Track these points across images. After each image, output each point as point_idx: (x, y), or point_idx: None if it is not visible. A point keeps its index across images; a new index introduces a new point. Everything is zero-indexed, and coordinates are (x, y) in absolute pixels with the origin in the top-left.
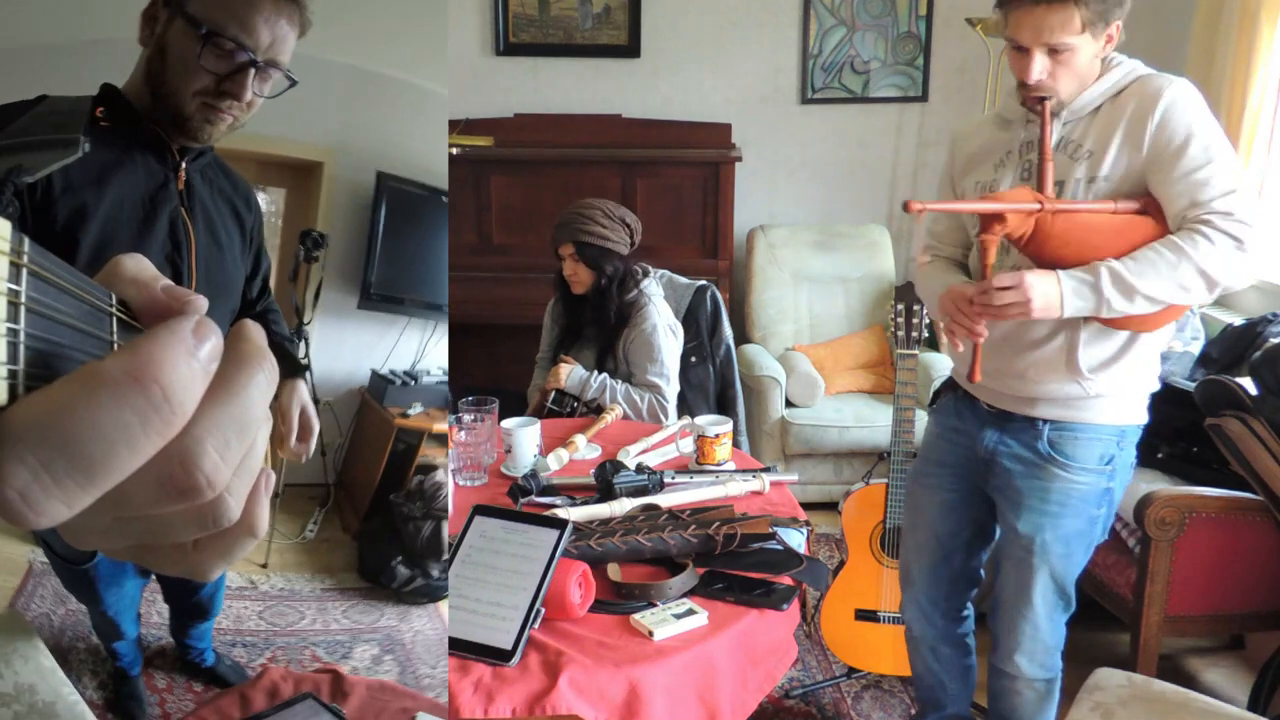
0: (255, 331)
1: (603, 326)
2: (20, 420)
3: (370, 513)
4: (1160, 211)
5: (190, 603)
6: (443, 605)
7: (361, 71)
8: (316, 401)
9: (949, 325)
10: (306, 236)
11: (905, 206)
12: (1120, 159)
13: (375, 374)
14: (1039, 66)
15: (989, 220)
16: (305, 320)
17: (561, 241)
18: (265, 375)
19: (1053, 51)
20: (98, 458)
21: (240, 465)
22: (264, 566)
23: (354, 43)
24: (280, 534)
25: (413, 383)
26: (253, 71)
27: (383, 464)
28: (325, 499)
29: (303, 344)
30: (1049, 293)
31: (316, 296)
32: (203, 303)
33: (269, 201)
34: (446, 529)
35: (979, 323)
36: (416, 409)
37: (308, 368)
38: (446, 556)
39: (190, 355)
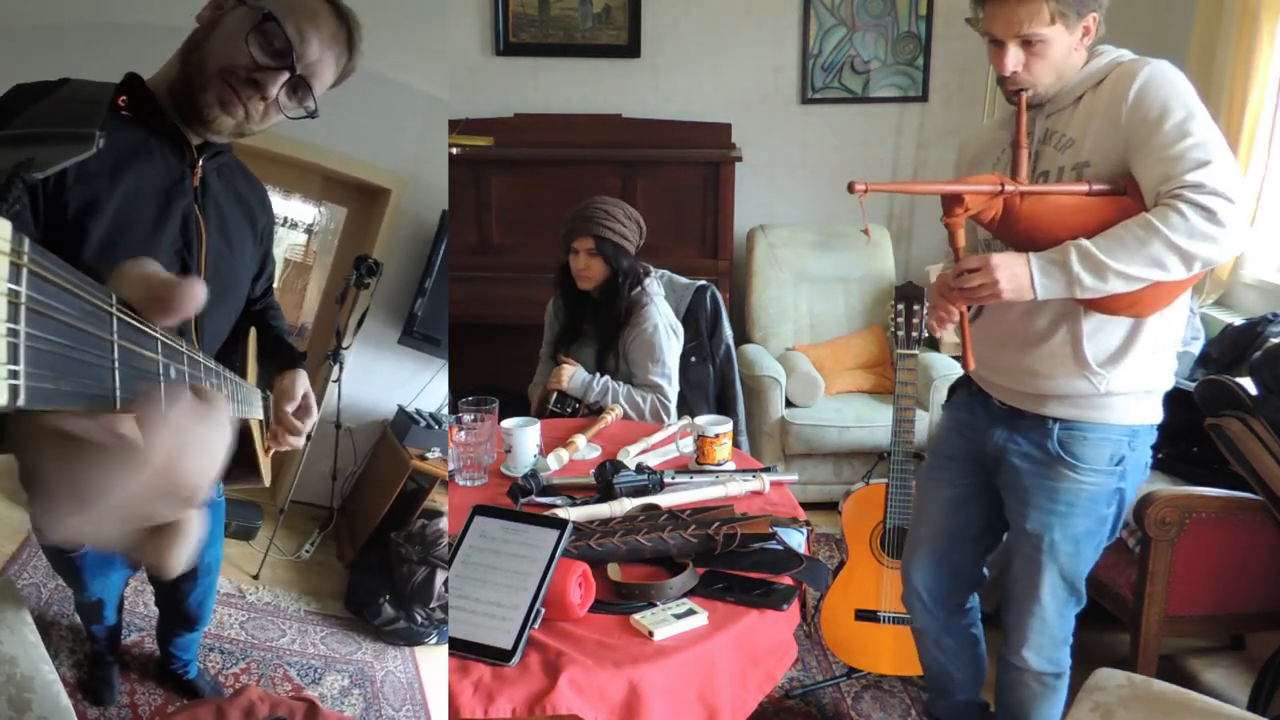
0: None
1: (605, 324)
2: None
3: (368, 545)
4: (1139, 191)
5: (180, 610)
6: (419, 651)
7: (446, 106)
8: (338, 426)
9: (931, 311)
10: (362, 262)
11: (849, 187)
12: (1100, 142)
13: (402, 410)
14: (1012, 59)
15: (949, 203)
16: (345, 344)
17: (579, 234)
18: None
19: (1026, 43)
20: (106, 516)
21: None
22: (255, 577)
23: (442, 79)
24: (277, 549)
25: (436, 427)
26: (285, 75)
27: (390, 501)
28: (327, 522)
29: (337, 367)
30: (1018, 273)
31: (360, 323)
32: (199, 290)
33: (328, 217)
34: (440, 578)
35: (956, 306)
36: (435, 453)
37: (338, 382)
38: (435, 604)
39: (225, 440)
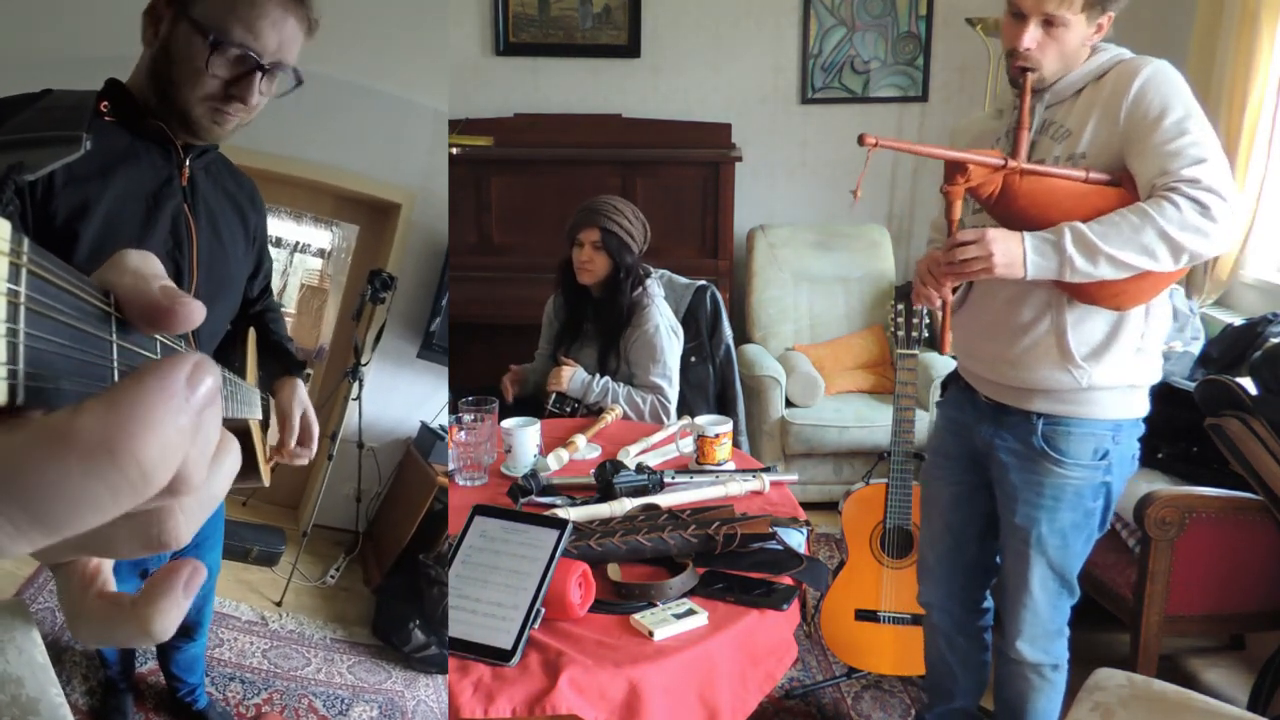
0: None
1: (605, 324)
2: None
3: (395, 569)
4: (1133, 184)
5: None
6: None
7: (447, 118)
8: (360, 445)
9: (917, 287)
10: (376, 277)
11: (860, 140)
12: (1098, 135)
13: (425, 427)
14: (1030, 35)
15: (952, 172)
16: (363, 361)
17: (585, 227)
18: (232, 460)
19: (1048, 24)
20: (61, 518)
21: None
22: (278, 604)
23: (444, 88)
24: (300, 574)
25: None
26: (259, 75)
27: (417, 521)
28: (352, 546)
29: (356, 385)
30: (1011, 249)
31: (378, 339)
32: (199, 311)
33: (342, 237)
34: None
35: (944, 284)
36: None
37: (358, 400)
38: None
39: (179, 412)
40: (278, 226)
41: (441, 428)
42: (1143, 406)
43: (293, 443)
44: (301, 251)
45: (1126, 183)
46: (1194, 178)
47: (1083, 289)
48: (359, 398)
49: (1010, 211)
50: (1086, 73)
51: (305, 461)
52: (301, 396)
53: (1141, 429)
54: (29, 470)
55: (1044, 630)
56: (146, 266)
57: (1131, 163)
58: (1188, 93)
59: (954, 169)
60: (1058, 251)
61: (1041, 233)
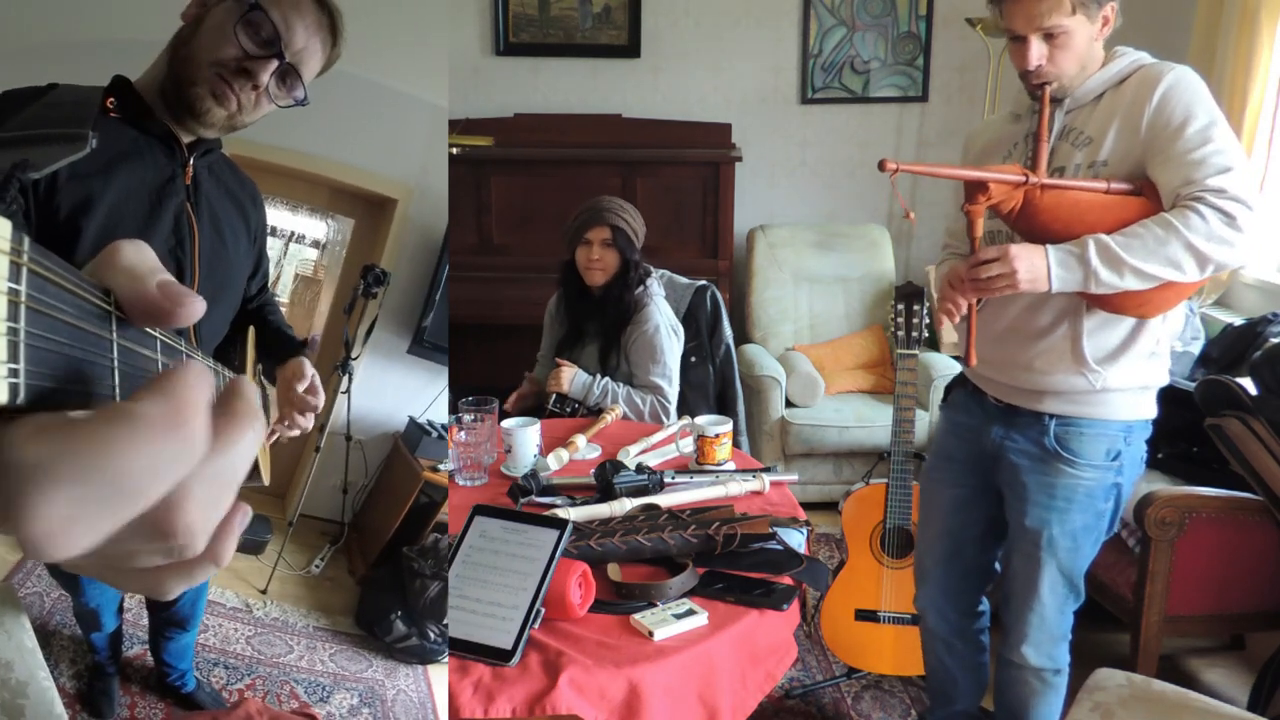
0: (249, 389)
1: (608, 322)
2: (55, 458)
3: (380, 561)
4: (1155, 193)
5: (170, 611)
6: (432, 670)
7: (448, 114)
8: (349, 438)
9: (939, 303)
10: (369, 271)
11: (880, 165)
12: (1119, 143)
13: (413, 422)
14: (1035, 53)
15: (973, 190)
16: (353, 355)
17: (595, 225)
18: (254, 434)
19: (1048, 37)
20: (134, 491)
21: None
22: (263, 593)
23: (442, 84)
24: (286, 564)
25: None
26: (275, 63)
27: (402, 514)
28: (338, 537)
29: (346, 378)
30: (1035, 264)
31: (369, 333)
32: (199, 306)
33: (336, 229)
34: None
35: (967, 299)
36: (447, 465)
37: (347, 393)
38: (446, 622)
39: (209, 396)
40: (273, 216)
41: (430, 423)
42: (1152, 408)
43: (301, 388)
44: (297, 242)
45: (1149, 192)
46: (1219, 187)
47: (1108, 299)
48: (348, 391)
49: (1033, 226)
50: (1107, 78)
51: (309, 423)
52: (305, 368)
53: (1150, 431)
54: (108, 450)
55: (1049, 635)
56: (142, 261)
57: (1154, 171)
58: (1210, 99)
59: (975, 187)
60: (1082, 264)
61: (1065, 245)
